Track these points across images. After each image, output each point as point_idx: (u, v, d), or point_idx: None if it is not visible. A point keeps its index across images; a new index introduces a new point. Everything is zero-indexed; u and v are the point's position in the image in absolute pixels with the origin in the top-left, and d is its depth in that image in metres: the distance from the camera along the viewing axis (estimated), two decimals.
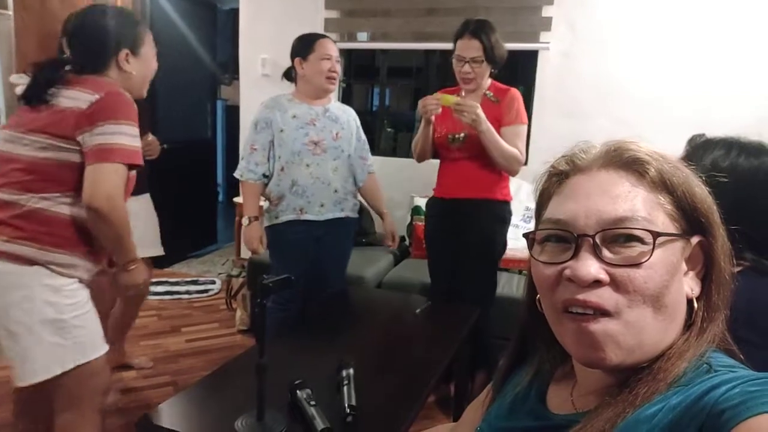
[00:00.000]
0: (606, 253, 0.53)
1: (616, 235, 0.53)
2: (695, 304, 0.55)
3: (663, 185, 0.55)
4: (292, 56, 2.26)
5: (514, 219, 2.69)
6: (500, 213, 2.26)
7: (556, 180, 0.60)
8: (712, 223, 0.55)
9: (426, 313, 2.09)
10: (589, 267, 0.52)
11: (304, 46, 2.24)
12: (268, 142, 2.24)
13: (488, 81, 2.24)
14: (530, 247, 0.60)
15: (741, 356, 0.55)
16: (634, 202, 0.53)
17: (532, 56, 3.18)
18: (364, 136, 2.44)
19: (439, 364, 1.68)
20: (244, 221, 2.27)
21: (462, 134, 2.20)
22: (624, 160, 0.56)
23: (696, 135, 1.12)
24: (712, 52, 2.81)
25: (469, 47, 2.12)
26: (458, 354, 1.87)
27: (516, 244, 2.87)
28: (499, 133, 2.15)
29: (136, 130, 1.49)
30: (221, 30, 5.06)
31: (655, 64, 2.91)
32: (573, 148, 0.61)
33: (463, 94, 2.25)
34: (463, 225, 2.23)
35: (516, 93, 2.21)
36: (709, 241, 0.55)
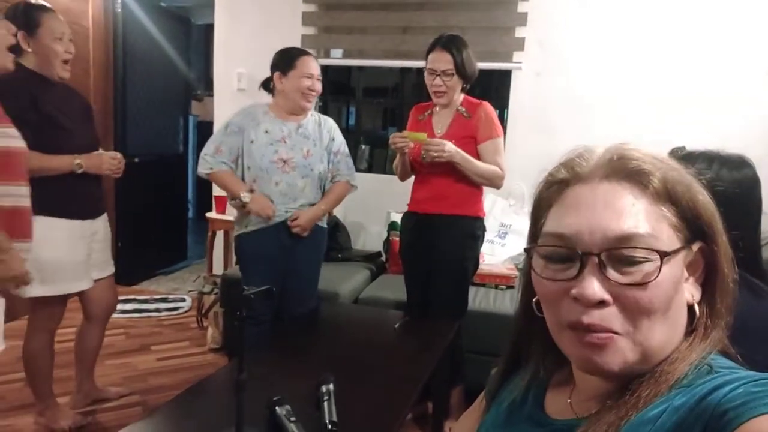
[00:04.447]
0: (612, 273, 0.52)
1: (622, 255, 0.52)
2: (696, 310, 0.55)
3: (667, 196, 0.53)
4: (272, 69, 2.23)
5: (489, 235, 2.71)
6: (471, 229, 2.25)
7: (555, 189, 0.58)
8: (715, 230, 0.55)
9: (404, 329, 2.08)
10: (594, 287, 0.51)
11: (285, 61, 2.21)
12: (236, 147, 2.22)
13: (461, 96, 2.24)
14: (530, 258, 0.59)
15: (740, 360, 0.56)
16: (638, 217, 0.52)
17: (505, 76, 3.25)
18: (341, 149, 2.34)
19: (420, 379, 1.66)
20: (244, 197, 2.16)
21: None
22: (627, 171, 0.54)
23: (676, 148, 1.14)
24: (683, 66, 2.92)
25: (441, 60, 2.14)
26: (437, 370, 1.86)
27: (491, 259, 2.89)
28: (476, 150, 2.18)
29: None
30: (194, 45, 5.02)
31: (624, 79, 3.00)
32: (570, 153, 0.59)
33: (437, 109, 2.27)
34: (434, 240, 2.23)
35: (487, 106, 2.21)
36: (711, 248, 0.55)
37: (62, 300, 2.07)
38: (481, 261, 2.40)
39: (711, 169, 1.02)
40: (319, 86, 2.24)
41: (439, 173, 2.20)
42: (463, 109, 2.22)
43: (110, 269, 2.26)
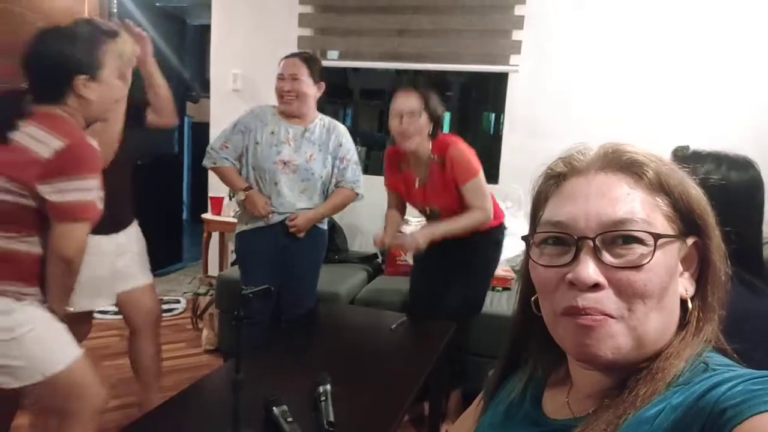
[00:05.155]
0: (606, 256, 0.53)
1: (616, 237, 0.53)
2: (689, 304, 0.56)
3: (660, 187, 0.55)
4: None
5: None
6: (495, 237, 2.27)
7: (553, 182, 0.60)
8: (708, 224, 0.56)
9: (402, 329, 2.08)
10: (590, 270, 0.52)
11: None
12: (240, 146, 2.26)
13: (429, 143, 2.13)
14: (528, 249, 0.60)
15: (736, 356, 0.56)
16: (633, 204, 0.53)
17: (502, 78, 3.26)
18: (347, 155, 2.31)
19: (417, 379, 1.66)
20: (240, 195, 2.23)
21: (435, 207, 2.20)
22: (622, 163, 0.56)
23: (680, 146, 1.15)
24: (680, 71, 2.93)
25: (406, 99, 2.06)
26: (434, 371, 1.85)
27: None
28: (459, 193, 2.12)
29: (98, 182, 1.46)
30: (189, 46, 5.01)
31: (621, 83, 3.01)
32: (569, 150, 0.60)
33: (411, 160, 2.21)
34: (458, 250, 2.19)
35: (456, 147, 2.10)
36: (704, 242, 0.56)
37: (85, 316, 2.00)
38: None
39: (720, 170, 1.03)
40: (293, 86, 2.18)
41: (444, 216, 2.17)
42: (435, 157, 2.14)
43: (144, 279, 2.13)
